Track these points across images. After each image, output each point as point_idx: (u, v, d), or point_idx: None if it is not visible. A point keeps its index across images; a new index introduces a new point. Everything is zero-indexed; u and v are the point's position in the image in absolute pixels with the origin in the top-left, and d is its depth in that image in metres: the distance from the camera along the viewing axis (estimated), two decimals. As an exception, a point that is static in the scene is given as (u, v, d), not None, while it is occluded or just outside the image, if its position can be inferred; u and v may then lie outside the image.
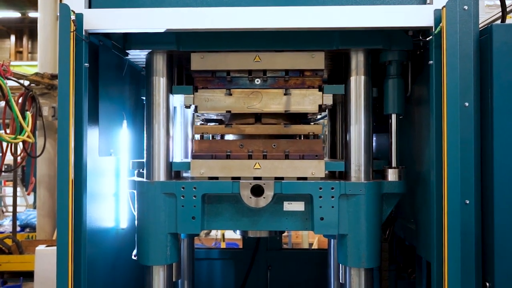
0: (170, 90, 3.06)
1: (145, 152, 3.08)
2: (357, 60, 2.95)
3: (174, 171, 3.08)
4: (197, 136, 3.18)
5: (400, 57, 2.99)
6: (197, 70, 3.00)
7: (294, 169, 2.91)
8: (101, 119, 3.00)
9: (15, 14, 23.89)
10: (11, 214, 9.41)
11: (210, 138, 3.18)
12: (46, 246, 6.65)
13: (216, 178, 2.95)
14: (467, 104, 2.54)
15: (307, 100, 3.00)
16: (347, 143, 3.00)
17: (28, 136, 4.50)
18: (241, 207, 2.95)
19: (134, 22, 2.69)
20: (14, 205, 8.38)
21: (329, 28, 2.70)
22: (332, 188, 2.87)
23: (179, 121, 3.77)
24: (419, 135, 3.09)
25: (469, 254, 2.52)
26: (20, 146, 5.74)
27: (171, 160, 3.05)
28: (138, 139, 3.62)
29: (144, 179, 3.05)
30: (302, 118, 3.37)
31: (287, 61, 2.96)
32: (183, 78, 3.51)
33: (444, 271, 2.50)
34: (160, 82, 3.01)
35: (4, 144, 5.24)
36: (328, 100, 3.00)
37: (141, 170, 3.18)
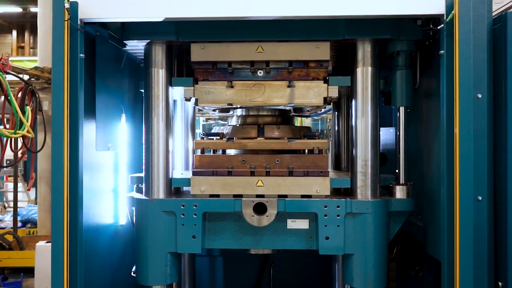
0: (169, 83, 2.95)
1: (143, 165, 2.96)
2: (364, 51, 2.84)
3: (174, 187, 2.97)
4: (198, 151, 3.08)
5: (409, 47, 2.87)
6: (198, 61, 2.89)
7: (298, 186, 2.80)
8: (99, 113, 2.90)
9: (16, 9, 23.81)
10: (12, 209, 9.37)
11: (212, 153, 3.04)
12: (47, 242, 6.58)
13: (217, 195, 2.84)
14: (480, 95, 2.43)
15: (311, 92, 2.89)
16: (352, 156, 2.88)
17: (27, 131, 4.44)
18: (243, 224, 2.84)
19: (131, 10, 2.59)
20: (15, 200, 8.33)
21: (334, 16, 2.59)
22: (338, 207, 2.75)
23: (179, 115, 3.67)
24: (427, 128, 2.98)
25: (481, 253, 2.42)
26: (20, 141, 5.69)
27: (170, 176, 2.95)
28: (138, 133, 3.52)
29: (143, 196, 2.94)
30: (304, 130, 3.26)
31: (291, 51, 2.84)
32: (183, 70, 3.41)
33: (456, 271, 2.40)
34: (159, 74, 2.90)
35: (4, 140, 5.20)
36: (334, 92, 2.88)
37: (140, 185, 3.08)
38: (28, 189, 8.70)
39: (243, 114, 3.21)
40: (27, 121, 4.55)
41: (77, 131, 2.55)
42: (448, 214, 2.47)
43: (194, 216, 2.78)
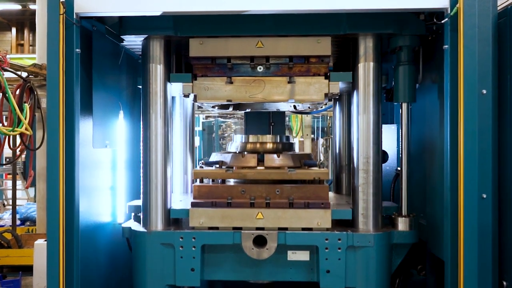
0: (167, 78, 2.90)
1: (141, 194, 2.91)
2: (366, 46, 2.78)
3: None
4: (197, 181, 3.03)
5: (412, 42, 2.81)
6: (196, 56, 2.84)
7: (299, 219, 2.74)
8: (96, 109, 2.84)
9: (15, 7, 23.73)
10: (11, 207, 9.33)
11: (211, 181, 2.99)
12: (45, 240, 6.54)
13: (217, 227, 2.79)
14: (484, 91, 2.38)
15: (312, 88, 2.84)
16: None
17: (26, 129, 4.40)
18: (243, 256, 2.78)
19: (128, 4, 2.54)
20: (14, 198, 8.28)
21: (336, 10, 2.53)
22: (339, 239, 2.70)
23: (178, 112, 3.62)
24: (430, 125, 2.92)
25: (486, 252, 2.38)
26: (18, 138, 5.65)
27: (169, 207, 2.90)
28: (136, 130, 3.47)
29: (141, 226, 2.89)
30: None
31: (291, 46, 2.79)
32: (182, 66, 3.36)
33: (460, 270, 2.35)
34: (157, 70, 2.85)
35: (2, 137, 5.15)
36: (335, 88, 2.84)
37: (138, 214, 3.02)
38: (27, 187, 8.66)
39: (243, 141, 3.17)
40: (25, 119, 4.51)
41: (73, 128, 2.50)
42: (452, 212, 2.42)
43: (193, 248, 2.75)
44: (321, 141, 12.92)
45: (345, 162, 3.61)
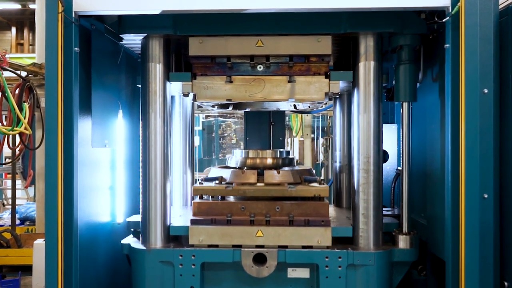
0: (167, 78, 2.88)
1: (140, 209, 2.89)
2: (366, 45, 2.76)
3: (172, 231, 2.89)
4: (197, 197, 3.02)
5: (413, 41, 2.79)
6: (196, 55, 2.82)
7: (299, 237, 2.73)
8: (95, 109, 2.83)
9: (15, 6, 23.71)
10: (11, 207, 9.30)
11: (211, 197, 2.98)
12: (44, 240, 6.53)
13: (216, 245, 2.78)
14: (486, 90, 2.37)
15: (312, 87, 2.82)
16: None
17: (25, 128, 4.38)
18: (243, 274, 2.77)
19: (127, 3, 2.52)
20: (13, 198, 8.27)
21: (336, 9, 2.52)
22: (340, 258, 2.69)
23: (178, 111, 3.60)
24: (431, 125, 2.91)
25: (487, 253, 2.36)
26: (18, 138, 5.63)
27: (168, 224, 2.88)
28: (135, 129, 3.45)
29: (140, 244, 2.87)
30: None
31: (291, 45, 2.77)
32: (181, 65, 3.34)
33: (461, 271, 2.33)
34: (157, 69, 2.83)
35: (1, 136, 5.14)
36: (335, 87, 2.82)
37: (137, 230, 3.00)
38: (26, 187, 8.64)
39: (243, 156, 3.16)
40: (24, 118, 4.50)
41: (71, 127, 2.48)
42: (453, 212, 2.41)
43: (193, 266, 2.74)
44: (321, 140, 12.91)
45: (345, 161, 3.60)
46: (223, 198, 2.96)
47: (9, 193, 13.06)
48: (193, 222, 2.81)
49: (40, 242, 6.52)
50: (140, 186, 2.91)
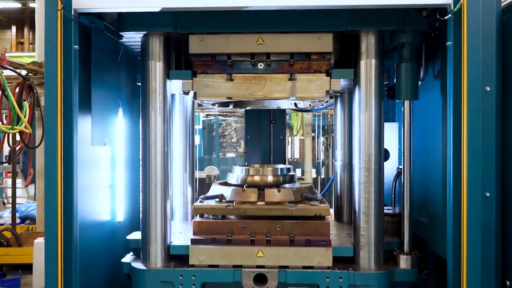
0: (167, 76, 2.87)
1: (141, 226, 2.87)
2: (368, 43, 2.75)
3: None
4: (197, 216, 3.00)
5: (414, 39, 2.77)
6: (196, 53, 2.80)
7: (300, 257, 2.72)
8: (94, 107, 2.81)
9: (15, 5, 23.70)
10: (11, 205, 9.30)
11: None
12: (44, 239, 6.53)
13: (217, 265, 2.76)
14: (488, 88, 2.35)
15: (313, 85, 2.81)
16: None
17: (25, 127, 4.38)
18: None
19: (127, 0, 2.50)
20: (14, 197, 8.26)
21: (337, 6, 2.50)
22: (340, 278, 2.67)
23: (178, 110, 3.59)
24: (432, 123, 2.89)
25: (489, 252, 2.35)
26: (18, 136, 5.63)
27: (168, 243, 2.87)
28: (135, 127, 3.44)
29: (140, 263, 2.85)
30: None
31: (292, 43, 2.75)
32: (181, 63, 3.32)
33: (463, 269, 2.32)
34: (157, 67, 2.82)
35: (1, 135, 5.13)
36: (336, 85, 2.80)
37: (137, 247, 2.97)
38: (26, 186, 8.64)
39: (243, 173, 3.15)
40: (24, 117, 4.48)
41: (71, 125, 2.47)
42: (455, 211, 2.39)
43: (193, 286, 2.73)
44: (321, 139, 12.89)
45: (346, 160, 3.59)
46: (223, 216, 2.95)
47: (9, 192, 13.05)
48: (193, 241, 2.81)
49: (40, 241, 6.51)
50: (141, 203, 2.88)
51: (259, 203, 2.91)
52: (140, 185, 2.91)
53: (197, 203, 2.98)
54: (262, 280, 2.72)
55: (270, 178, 3.11)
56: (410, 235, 2.82)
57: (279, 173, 3.15)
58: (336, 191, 3.72)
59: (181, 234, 3.12)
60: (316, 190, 3.32)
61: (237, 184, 3.14)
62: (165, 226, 2.85)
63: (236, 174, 3.20)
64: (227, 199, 2.97)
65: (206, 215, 2.96)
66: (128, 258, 2.99)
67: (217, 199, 2.98)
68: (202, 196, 3.06)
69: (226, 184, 3.25)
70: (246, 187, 3.05)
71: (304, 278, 2.71)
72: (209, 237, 2.81)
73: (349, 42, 3.06)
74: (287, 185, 3.14)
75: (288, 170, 3.24)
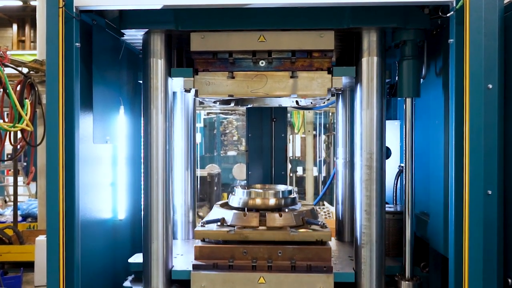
0: (168, 73, 2.87)
1: (142, 249, 2.87)
2: (370, 40, 2.74)
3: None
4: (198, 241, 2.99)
5: (416, 36, 2.76)
6: (197, 51, 2.80)
7: (301, 284, 2.71)
8: (96, 104, 2.81)
9: (17, 3, 23.70)
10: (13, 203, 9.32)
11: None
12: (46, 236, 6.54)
13: None
14: (490, 86, 2.34)
15: (315, 83, 2.80)
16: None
17: (26, 125, 4.39)
18: None
19: (128, -2, 2.50)
20: (15, 194, 8.29)
21: (339, 3, 2.50)
22: None
23: (179, 107, 3.59)
24: (434, 121, 2.89)
25: (491, 249, 2.34)
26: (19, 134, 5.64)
27: (170, 267, 2.87)
28: (137, 125, 3.44)
29: (141, 286, 2.85)
30: None
31: (293, 41, 2.75)
32: (183, 61, 3.32)
33: (464, 267, 2.32)
34: (158, 64, 2.81)
35: (3, 133, 5.14)
36: (338, 83, 2.80)
37: (138, 271, 2.97)
38: (28, 183, 8.66)
39: (244, 196, 3.16)
40: (26, 115, 4.49)
41: (73, 123, 2.47)
42: (457, 209, 2.39)
43: None
44: (323, 137, 12.89)
45: (347, 158, 3.58)
46: (225, 240, 2.95)
47: (11, 190, 13.08)
48: (195, 267, 2.81)
49: (42, 239, 6.54)
50: (142, 202, 2.87)
51: (260, 227, 2.91)
52: (142, 183, 2.91)
53: (199, 228, 2.98)
54: None
55: (271, 201, 3.11)
56: (411, 255, 2.79)
57: (281, 196, 3.15)
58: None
59: (182, 257, 3.12)
60: (317, 213, 3.33)
61: (238, 207, 3.15)
62: (167, 250, 2.84)
63: (238, 197, 3.20)
64: (228, 223, 2.97)
65: (207, 239, 2.96)
66: (129, 283, 3.00)
67: (219, 223, 2.99)
68: (204, 220, 3.06)
69: (227, 206, 3.25)
70: (247, 210, 3.05)
71: None
72: (210, 263, 2.81)
73: (350, 39, 3.05)
74: (288, 209, 3.14)
75: (290, 192, 3.25)
